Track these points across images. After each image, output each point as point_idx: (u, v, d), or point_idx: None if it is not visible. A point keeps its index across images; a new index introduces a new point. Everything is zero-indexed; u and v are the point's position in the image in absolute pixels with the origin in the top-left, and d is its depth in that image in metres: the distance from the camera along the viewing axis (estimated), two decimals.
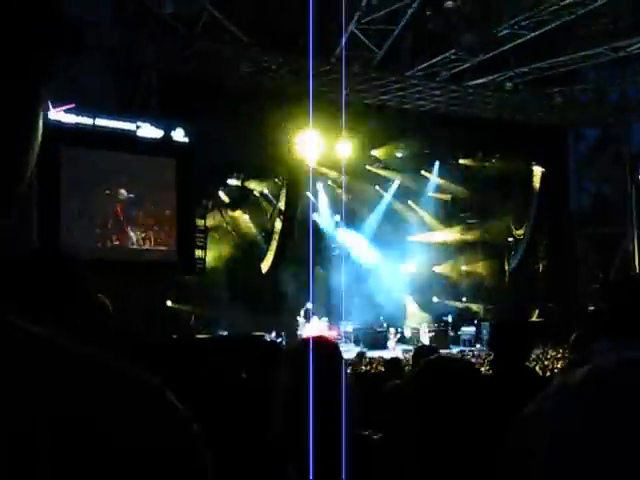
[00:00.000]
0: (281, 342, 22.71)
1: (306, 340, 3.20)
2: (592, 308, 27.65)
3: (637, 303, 3.92)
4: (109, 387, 0.89)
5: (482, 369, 18.73)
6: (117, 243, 22.91)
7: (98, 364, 0.91)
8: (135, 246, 23.28)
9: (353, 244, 31.16)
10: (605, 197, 32.17)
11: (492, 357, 5.96)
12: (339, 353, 3.20)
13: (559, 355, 20.72)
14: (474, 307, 32.22)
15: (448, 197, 32.73)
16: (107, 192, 22.75)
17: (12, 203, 0.88)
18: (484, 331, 27.85)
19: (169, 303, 25.95)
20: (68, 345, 0.91)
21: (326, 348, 3.21)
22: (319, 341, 3.15)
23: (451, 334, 29.49)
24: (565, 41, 24.57)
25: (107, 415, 0.86)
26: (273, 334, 24.79)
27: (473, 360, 21.25)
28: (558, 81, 28.38)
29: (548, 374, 13.70)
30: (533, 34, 23.30)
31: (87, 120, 21.57)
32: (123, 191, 22.97)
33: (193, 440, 0.93)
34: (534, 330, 17.29)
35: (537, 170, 31.35)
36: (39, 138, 0.92)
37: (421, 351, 7.27)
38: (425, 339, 27.88)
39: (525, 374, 5.15)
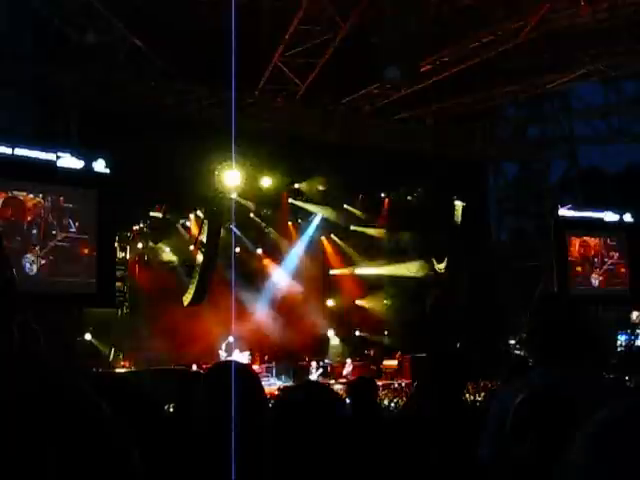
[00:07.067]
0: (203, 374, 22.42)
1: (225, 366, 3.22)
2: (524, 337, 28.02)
3: (558, 325, 3.97)
4: None
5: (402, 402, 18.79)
6: (34, 272, 22.37)
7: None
8: (53, 277, 22.77)
9: (275, 277, 31.01)
10: (525, 231, 32.61)
11: (424, 388, 5.86)
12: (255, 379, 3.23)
13: (480, 389, 20.85)
14: (396, 341, 32.20)
15: (371, 231, 32.75)
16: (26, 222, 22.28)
17: None
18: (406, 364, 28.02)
19: (88, 336, 25.53)
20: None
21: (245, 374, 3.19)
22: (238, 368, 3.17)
23: (373, 367, 29.44)
24: (486, 77, 24.94)
25: None
26: (194, 367, 24.44)
27: (395, 394, 21.33)
28: (479, 116, 28.82)
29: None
30: (454, 69, 23.60)
31: (6, 149, 21.06)
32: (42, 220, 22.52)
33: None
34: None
35: (458, 204, 31.57)
36: None
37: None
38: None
39: (462, 407, 5.08)
